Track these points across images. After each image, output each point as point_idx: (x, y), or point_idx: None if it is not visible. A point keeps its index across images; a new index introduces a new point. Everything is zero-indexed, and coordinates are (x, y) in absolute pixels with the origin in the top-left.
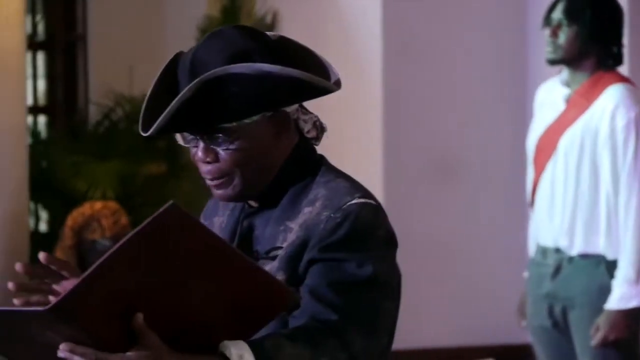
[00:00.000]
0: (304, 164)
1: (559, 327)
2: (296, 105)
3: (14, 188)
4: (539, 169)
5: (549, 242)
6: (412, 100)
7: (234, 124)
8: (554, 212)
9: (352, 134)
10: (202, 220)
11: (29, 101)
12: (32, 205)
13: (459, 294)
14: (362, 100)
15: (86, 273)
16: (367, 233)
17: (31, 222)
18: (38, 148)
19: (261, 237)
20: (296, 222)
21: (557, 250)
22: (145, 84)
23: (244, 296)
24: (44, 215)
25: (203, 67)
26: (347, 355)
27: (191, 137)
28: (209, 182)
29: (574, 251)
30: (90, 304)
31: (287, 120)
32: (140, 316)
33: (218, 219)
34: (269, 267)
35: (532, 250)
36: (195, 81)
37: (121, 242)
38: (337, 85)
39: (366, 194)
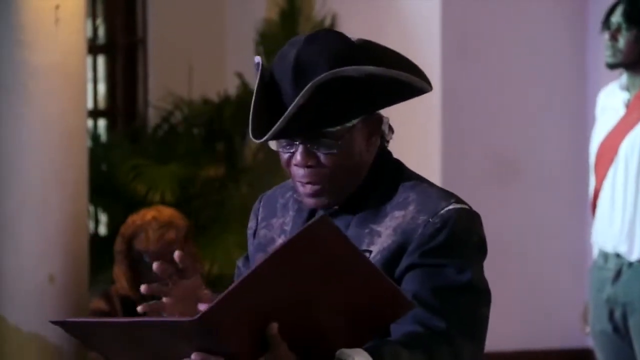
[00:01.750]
0: (387, 167)
1: (620, 332)
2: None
3: (73, 191)
4: (601, 175)
5: (609, 247)
6: (471, 101)
7: (339, 127)
8: (614, 217)
9: (411, 134)
10: (253, 220)
11: (90, 105)
12: (91, 208)
13: (519, 296)
14: (420, 101)
15: (235, 285)
16: (464, 239)
17: (91, 225)
18: (98, 151)
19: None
20: (385, 225)
21: (618, 256)
22: (204, 88)
23: (367, 303)
24: (103, 218)
25: (310, 70)
26: None
27: (287, 141)
28: (302, 187)
29: (634, 256)
30: (233, 315)
31: (379, 123)
32: (275, 326)
33: (277, 220)
34: None
35: (595, 255)
36: (308, 86)
37: (270, 254)
38: (429, 84)
39: (459, 199)
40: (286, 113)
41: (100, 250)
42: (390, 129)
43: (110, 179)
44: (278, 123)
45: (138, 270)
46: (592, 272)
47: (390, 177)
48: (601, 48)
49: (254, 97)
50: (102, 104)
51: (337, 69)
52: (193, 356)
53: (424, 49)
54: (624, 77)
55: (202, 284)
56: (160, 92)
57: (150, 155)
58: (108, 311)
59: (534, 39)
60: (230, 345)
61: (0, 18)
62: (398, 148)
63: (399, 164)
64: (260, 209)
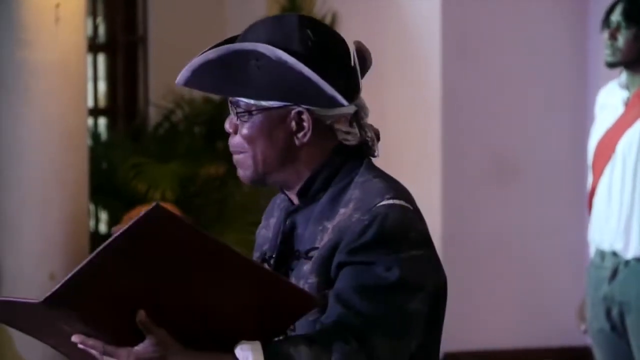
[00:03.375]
0: (345, 164)
1: (617, 330)
2: (333, 113)
3: (74, 190)
4: (598, 173)
5: (606, 245)
6: (471, 100)
7: (252, 101)
8: (610, 215)
9: (411, 133)
10: (264, 221)
11: (90, 103)
12: (92, 206)
13: (519, 295)
14: (420, 101)
15: (77, 268)
16: (396, 235)
17: (91, 223)
18: (98, 150)
19: (302, 236)
20: (332, 223)
21: (615, 254)
22: None
23: (260, 298)
24: (104, 216)
25: (249, 37)
26: (367, 359)
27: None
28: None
29: (629, 254)
30: (85, 297)
31: (302, 121)
32: (142, 313)
33: (273, 219)
34: (307, 267)
35: (592, 253)
36: (224, 46)
37: (108, 240)
38: (352, 98)
39: (399, 194)
40: (192, 61)
41: None
42: (365, 130)
43: (110, 178)
44: (184, 68)
45: None
46: (589, 270)
47: (347, 174)
48: (601, 48)
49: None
50: (102, 102)
51: (255, 43)
52: (73, 337)
53: (424, 48)
54: (623, 76)
55: None
56: (161, 90)
57: (151, 153)
58: None
59: (534, 39)
60: (104, 330)
61: (1, 17)
62: (399, 147)
63: (363, 160)
64: (268, 210)
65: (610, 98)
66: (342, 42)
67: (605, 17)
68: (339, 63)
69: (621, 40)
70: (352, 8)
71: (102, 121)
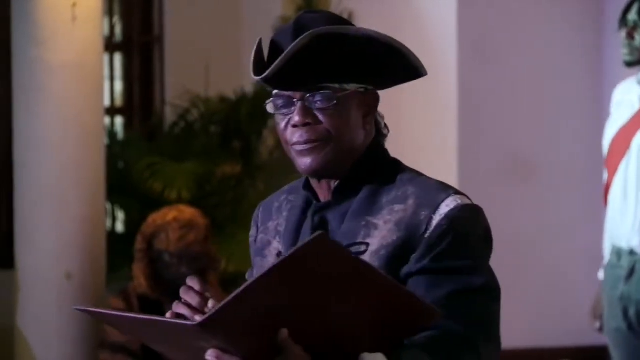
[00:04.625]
0: (382, 160)
1: (634, 329)
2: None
3: (90, 189)
4: (612, 170)
5: (622, 243)
6: (487, 99)
7: (337, 85)
8: (626, 211)
9: (427, 132)
10: (254, 228)
11: (106, 102)
12: (108, 206)
13: (535, 295)
14: (437, 100)
15: (233, 294)
16: (471, 236)
17: (108, 222)
18: (115, 149)
19: (337, 232)
20: (383, 218)
21: (631, 252)
22: (220, 86)
23: (386, 312)
24: (120, 215)
25: (309, 28)
26: None
27: (284, 102)
28: (299, 148)
29: None
30: (235, 322)
31: (375, 104)
32: (285, 331)
33: (272, 223)
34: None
35: (607, 251)
36: (307, 33)
37: (269, 268)
38: (425, 70)
39: (457, 190)
40: (284, 53)
41: (117, 248)
42: (386, 127)
43: (127, 177)
44: (277, 61)
45: (157, 269)
46: (605, 270)
47: (387, 170)
48: (617, 47)
49: (254, 49)
50: (119, 101)
51: (337, 26)
52: (208, 352)
53: (441, 49)
54: None
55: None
56: (177, 89)
57: (167, 153)
58: (126, 310)
59: (549, 39)
60: (243, 347)
61: (18, 16)
62: (415, 147)
63: (395, 160)
64: (259, 216)
65: (626, 95)
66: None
67: (622, 16)
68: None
69: (638, 39)
70: (368, 8)
71: (118, 120)
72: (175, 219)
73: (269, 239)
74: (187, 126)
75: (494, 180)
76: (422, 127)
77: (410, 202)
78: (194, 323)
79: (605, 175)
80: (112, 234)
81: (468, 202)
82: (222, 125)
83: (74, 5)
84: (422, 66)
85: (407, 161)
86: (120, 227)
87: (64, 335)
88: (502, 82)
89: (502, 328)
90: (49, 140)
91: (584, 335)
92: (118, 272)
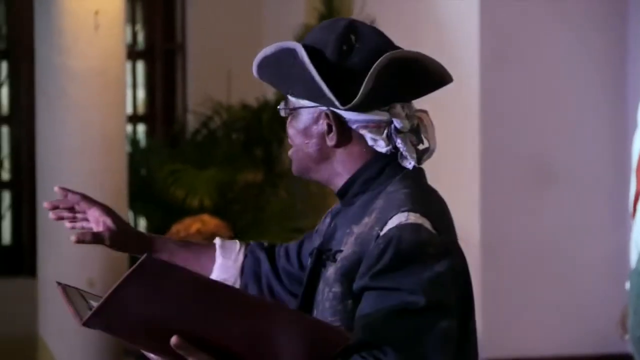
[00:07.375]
0: (385, 171)
1: None
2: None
3: (113, 196)
4: None
5: None
6: (509, 105)
7: (293, 99)
8: None
9: (449, 138)
10: (314, 233)
11: (129, 110)
12: (130, 213)
13: (558, 301)
14: (459, 105)
15: (99, 304)
16: (413, 256)
17: None
18: (137, 156)
19: (337, 238)
20: (356, 229)
21: None
22: (242, 93)
23: (291, 336)
24: (142, 222)
25: (303, 39)
26: None
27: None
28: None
29: None
30: (117, 322)
31: (330, 122)
32: (175, 338)
33: (319, 225)
34: (331, 273)
35: (634, 260)
36: (277, 43)
37: (113, 287)
38: (450, 78)
39: (417, 207)
40: (259, 53)
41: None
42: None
43: (149, 184)
44: (254, 60)
45: None
46: (631, 277)
47: (383, 181)
48: None
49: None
50: (141, 109)
51: (293, 43)
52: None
53: (463, 53)
54: None
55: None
56: (199, 97)
57: (189, 160)
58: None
59: (572, 43)
60: (156, 351)
61: (41, 23)
62: (437, 154)
63: (400, 171)
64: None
65: None
66: (385, 50)
67: None
68: (365, 68)
69: None
70: (390, 14)
71: (140, 128)
72: (198, 231)
73: (315, 235)
74: (209, 133)
75: (516, 186)
76: (444, 133)
77: (373, 216)
78: (82, 321)
79: (634, 184)
80: None
81: (413, 220)
82: (244, 132)
83: (97, 13)
84: (448, 74)
85: (429, 168)
86: None
87: (87, 344)
88: (524, 87)
89: (524, 335)
90: (71, 147)
91: (607, 342)
92: None
